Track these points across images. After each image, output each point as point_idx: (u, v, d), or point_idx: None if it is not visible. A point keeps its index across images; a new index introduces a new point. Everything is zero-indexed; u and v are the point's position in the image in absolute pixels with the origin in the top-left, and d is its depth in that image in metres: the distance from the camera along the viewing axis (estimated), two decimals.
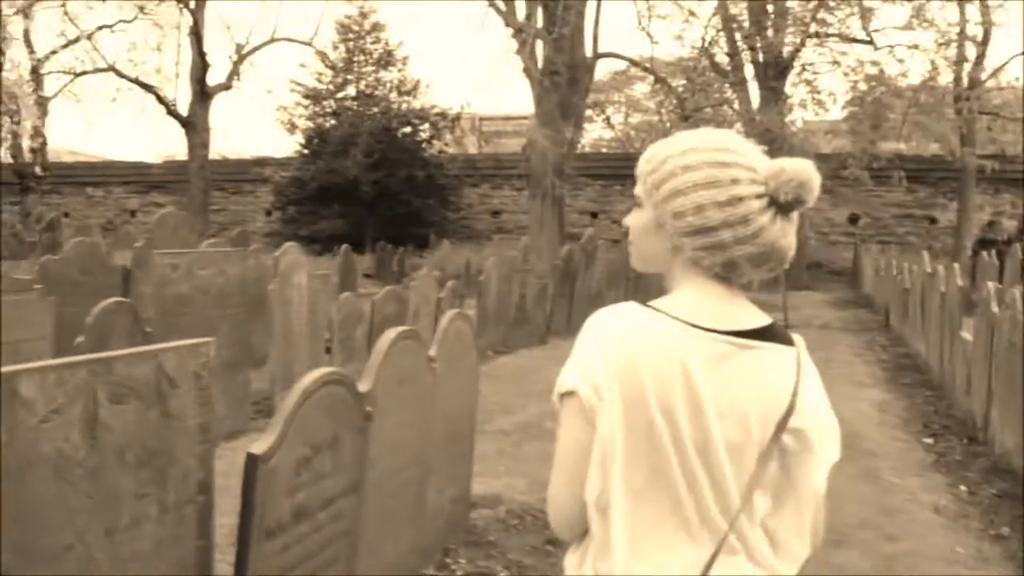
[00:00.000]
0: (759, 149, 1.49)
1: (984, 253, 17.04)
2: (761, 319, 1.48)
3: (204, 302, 6.91)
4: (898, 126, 22.72)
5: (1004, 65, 24.75)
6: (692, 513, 1.40)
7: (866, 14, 22.05)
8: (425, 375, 4.10)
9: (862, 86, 22.19)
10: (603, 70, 31.34)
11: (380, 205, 25.75)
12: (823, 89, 22.45)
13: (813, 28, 22.76)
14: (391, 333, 3.73)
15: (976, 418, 7.36)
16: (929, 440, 7.30)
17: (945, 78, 23.80)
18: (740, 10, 23.46)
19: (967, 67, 23.69)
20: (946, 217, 26.44)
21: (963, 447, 7.03)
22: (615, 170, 28.38)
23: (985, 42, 23.92)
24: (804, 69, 23.22)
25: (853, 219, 26.86)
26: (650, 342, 1.39)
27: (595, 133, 38.68)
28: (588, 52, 21.40)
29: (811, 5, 22.28)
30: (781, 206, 1.42)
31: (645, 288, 17.66)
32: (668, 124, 30.23)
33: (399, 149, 26.16)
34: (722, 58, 24.19)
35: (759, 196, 1.41)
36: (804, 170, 1.40)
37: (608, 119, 36.64)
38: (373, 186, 25.29)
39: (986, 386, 7.07)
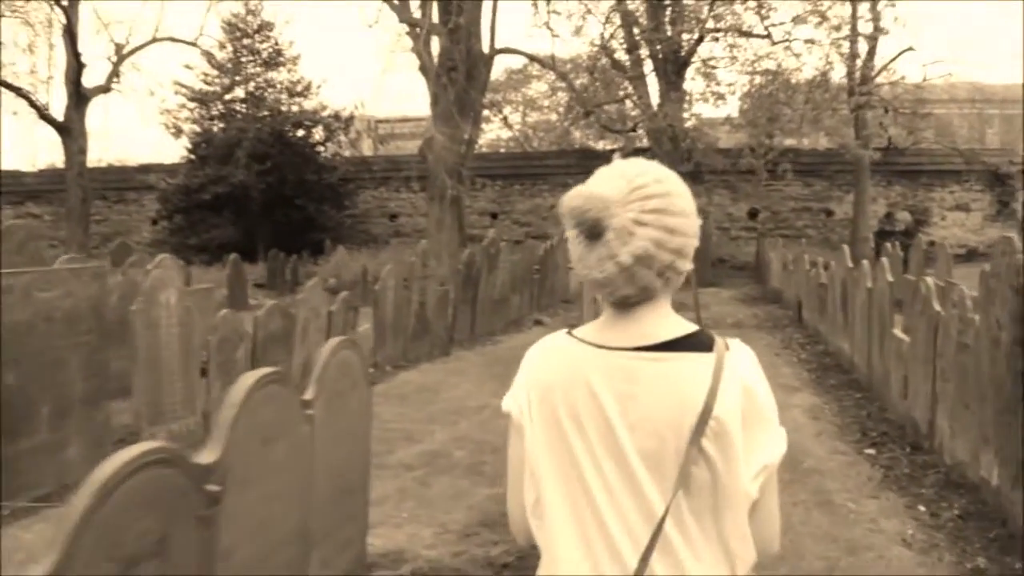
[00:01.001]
0: (646, 171, 1.51)
1: (887, 244, 16.75)
2: (676, 331, 1.51)
3: (48, 330, 5.80)
4: (794, 120, 22.48)
5: (894, 59, 24.88)
6: (612, 521, 1.44)
7: (762, 9, 21.82)
8: (299, 426, 3.17)
9: (759, 80, 21.91)
10: (498, 69, 30.61)
11: (273, 211, 24.44)
12: (722, 81, 22.09)
13: (710, 23, 22.45)
14: (247, 379, 2.79)
15: (919, 424, 6.74)
16: (871, 451, 6.64)
17: (839, 73, 23.80)
18: (637, 6, 23.02)
19: (859, 63, 23.71)
20: (842, 209, 26.46)
21: (908, 457, 6.39)
22: (514, 169, 27.66)
23: (875, 37, 23.98)
24: (704, 64, 22.88)
25: (752, 213, 26.65)
26: (562, 365, 1.52)
27: (492, 133, 37.98)
28: (485, 47, 20.52)
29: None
30: (584, 235, 1.47)
31: (550, 291, 16.95)
32: (568, 123, 29.76)
33: (291, 152, 24.91)
34: (622, 55, 23.74)
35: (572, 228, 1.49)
36: (569, 197, 1.46)
37: (505, 119, 35.92)
38: (264, 192, 23.98)
39: (929, 390, 6.45)
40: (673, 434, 1.42)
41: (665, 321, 1.52)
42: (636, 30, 22.86)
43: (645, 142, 24.50)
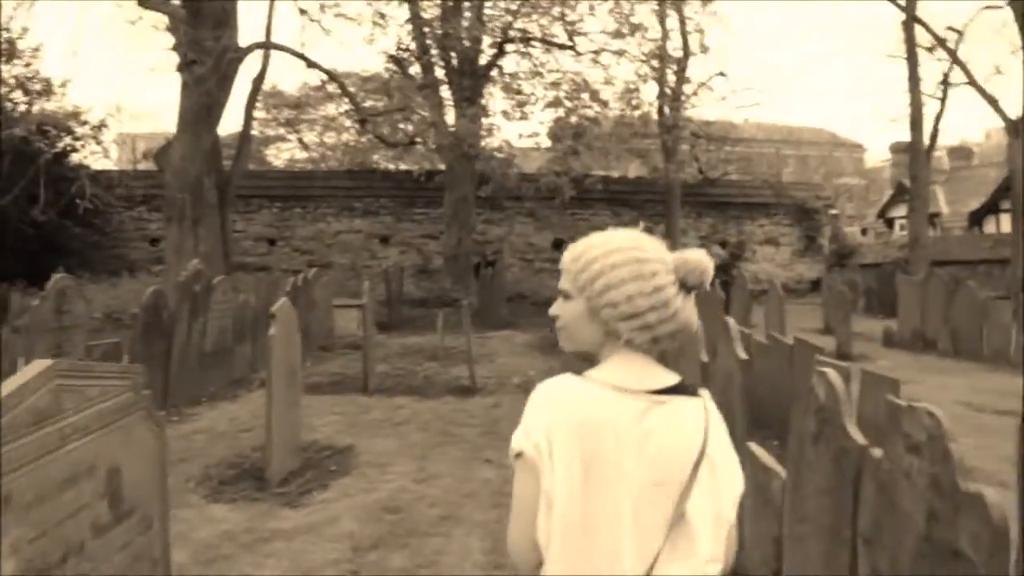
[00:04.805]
0: (649, 238, 1.67)
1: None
2: (672, 378, 1.62)
3: None
4: (601, 138, 19.50)
5: (706, 83, 22.53)
6: (621, 552, 1.50)
7: (566, 18, 18.87)
8: None
9: (564, 91, 18.84)
10: (295, 84, 26.53)
11: (4, 231, 19.36)
12: (526, 93, 18.90)
13: (513, 33, 19.31)
14: None
15: None
16: None
17: (650, 93, 21.22)
18: (433, 14, 19.63)
19: (671, 80, 21.17)
20: None
21: None
22: (296, 190, 23.51)
23: (686, 56, 21.59)
24: (510, 77, 19.66)
25: (557, 244, 23.55)
26: (583, 405, 1.54)
27: (287, 154, 33.92)
28: (244, 43, 16.48)
29: (514, 6, 18.82)
30: (686, 288, 1.63)
31: (304, 336, 13.00)
32: (366, 141, 25.91)
33: (26, 161, 19.90)
34: (417, 69, 20.27)
35: (672, 283, 1.61)
36: (703, 259, 1.63)
37: (301, 139, 31.78)
38: None
39: None
40: (679, 467, 1.53)
41: (661, 369, 1.64)
42: (430, 40, 19.45)
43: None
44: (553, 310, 1.70)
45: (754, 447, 4.23)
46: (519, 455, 1.54)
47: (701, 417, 1.57)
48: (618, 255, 1.62)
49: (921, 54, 22.77)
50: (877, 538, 2.79)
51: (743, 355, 4.53)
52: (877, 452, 2.86)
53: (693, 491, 1.51)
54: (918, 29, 22.31)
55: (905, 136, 24.04)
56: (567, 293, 1.66)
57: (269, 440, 6.02)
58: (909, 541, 2.57)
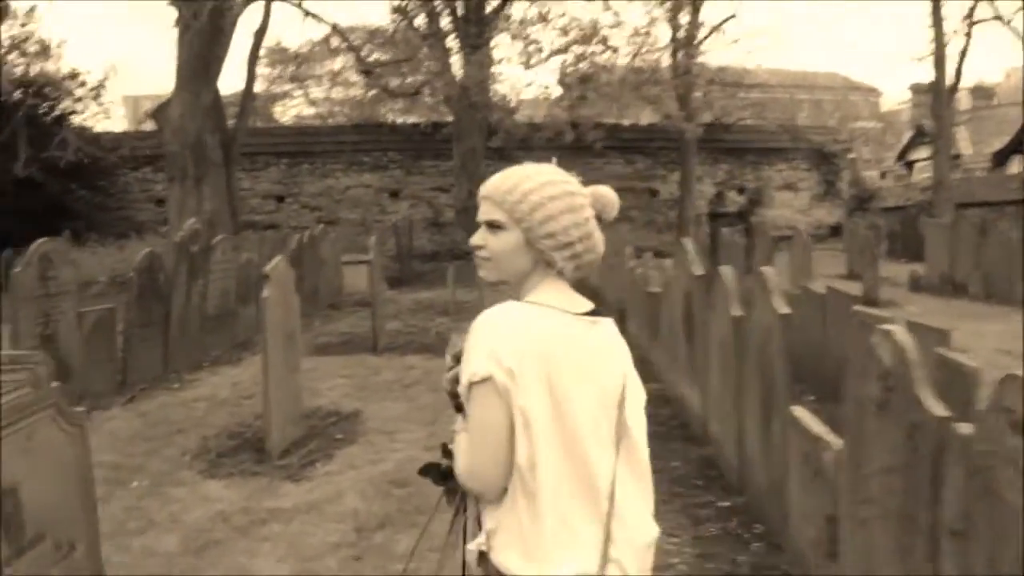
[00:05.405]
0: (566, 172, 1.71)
1: (725, 230, 13.20)
2: (588, 302, 1.70)
3: None
4: (613, 92, 18.79)
5: (720, 25, 21.71)
6: (591, 463, 1.56)
7: None
8: None
9: (572, 36, 18.15)
10: (300, 39, 25.83)
11: (5, 194, 18.94)
12: (529, 36, 18.24)
13: None
14: None
15: None
16: None
17: (663, 36, 20.43)
18: None
19: (684, 23, 20.38)
20: (667, 189, 23.19)
21: None
22: (304, 146, 22.96)
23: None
24: (520, 23, 18.96)
25: None
26: (541, 327, 1.58)
27: (295, 110, 33.21)
28: None
29: None
30: (599, 220, 1.72)
31: (311, 296, 12.50)
32: (372, 95, 25.26)
33: (28, 124, 19.39)
34: (422, 21, 19.58)
35: (593, 215, 1.69)
36: (613, 193, 1.73)
37: (307, 95, 31.02)
38: None
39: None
40: (614, 382, 1.62)
41: (578, 294, 1.71)
42: None
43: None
44: (477, 240, 1.68)
45: (799, 412, 3.76)
46: (486, 379, 1.53)
47: (620, 338, 1.70)
48: (552, 187, 1.65)
49: None
50: (970, 531, 2.32)
51: (784, 309, 4.01)
52: (965, 428, 2.37)
53: (627, 401, 1.62)
54: None
55: (923, 78, 23.21)
56: (499, 223, 1.65)
57: (267, 410, 5.59)
58: (1018, 539, 2.09)
